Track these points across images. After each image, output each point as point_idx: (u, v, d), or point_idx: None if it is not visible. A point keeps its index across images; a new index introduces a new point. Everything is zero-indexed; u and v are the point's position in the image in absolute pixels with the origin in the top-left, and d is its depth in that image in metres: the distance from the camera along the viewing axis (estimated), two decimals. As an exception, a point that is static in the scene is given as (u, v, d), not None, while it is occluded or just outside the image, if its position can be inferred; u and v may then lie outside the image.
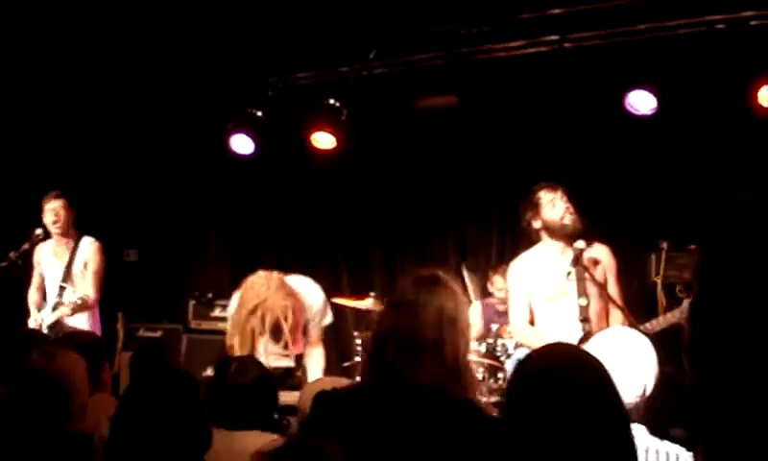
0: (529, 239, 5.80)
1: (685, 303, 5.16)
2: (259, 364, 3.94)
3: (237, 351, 5.34)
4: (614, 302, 5.22)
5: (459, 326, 2.68)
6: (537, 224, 5.35)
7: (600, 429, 1.94)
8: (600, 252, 5.42)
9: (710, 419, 1.75)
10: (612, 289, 5.38)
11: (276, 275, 5.52)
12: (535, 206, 5.29)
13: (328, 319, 5.83)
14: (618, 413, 2.01)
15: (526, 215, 5.37)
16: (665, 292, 6.84)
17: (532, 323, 5.54)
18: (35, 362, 3.40)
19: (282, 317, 5.30)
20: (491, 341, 6.55)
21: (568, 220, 5.22)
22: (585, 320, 5.25)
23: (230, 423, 3.46)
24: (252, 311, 5.29)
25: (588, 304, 5.26)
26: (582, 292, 5.26)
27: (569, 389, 1.98)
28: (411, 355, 2.59)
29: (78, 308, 6.53)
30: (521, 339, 5.68)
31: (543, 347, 2.28)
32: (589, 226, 5.37)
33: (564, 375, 2.01)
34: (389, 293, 3.10)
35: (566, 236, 5.27)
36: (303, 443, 1.81)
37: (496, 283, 7.55)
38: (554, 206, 5.23)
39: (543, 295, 5.44)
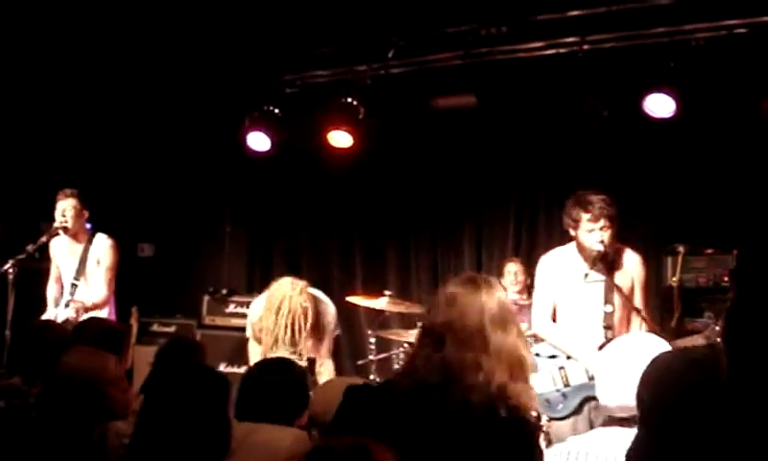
0: (546, 243, 5.70)
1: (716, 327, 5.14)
2: (297, 365, 4.02)
3: (258, 348, 6.00)
4: (637, 310, 5.20)
5: (515, 324, 2.75)
6: (572, 232, 5.36)
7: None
8: (630, 259, 5.40)
9: (748, 414, 1.75)
10: (638, 299, 5.36)
11: (301, 281, 5.99)
12: (575, 221, 5.27)
13: (337, 330, 6.30)
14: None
15: (568, 217, 5.34)
16: (681, 296, 6.81)
17: (554, 319, 5.52)
18: (61, 364, 3.40)
19: (303, 316, 5.79)
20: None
21: (595, 251, 5.20)
22: (608, 327, 5.24)
23: (261, 416, 3.50)
24: (278, 310, 5.80)
25: (612, 312, 5.25)
26: (608, 299, 5.26)
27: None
28: (468, 354, 2.63)
29: (83, 312, 6.51)
30: (541, 334, 5.63)
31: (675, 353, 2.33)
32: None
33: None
34: (433, 293, 3.19)
35: (590, 259, 5.26)
36: (353, 444, 1.78)
37: (507, 267, 7.57)
38: (590, 233, 5.21)
39: (567, 294, 5.43)
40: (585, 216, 5.20)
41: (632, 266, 5.39)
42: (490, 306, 2.72)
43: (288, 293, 5.84)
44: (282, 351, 5.70)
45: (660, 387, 2.21)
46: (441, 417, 2.52)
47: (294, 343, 5.77)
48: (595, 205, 5.17)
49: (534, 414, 6.11)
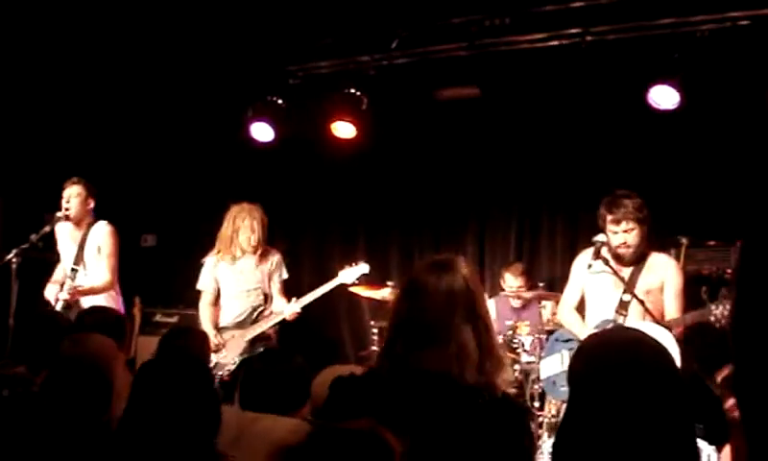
0: (549, 234, 5.65)
1: (711, 306, 5.14)
2: (299, 356, 4.05)
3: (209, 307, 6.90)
4: (649, 311, 5.22)
5: (476, 308, 2.63)
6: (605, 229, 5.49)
7: (660, 406, 1.97)
8: (664, 263, 5.54)
9: (754, 407, 1.75)
10: (670, 303, 5.42)
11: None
12: (602, 220, 5.44)
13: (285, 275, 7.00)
14: (676, 390, 2.04)
15: (599, 214, 5.49)
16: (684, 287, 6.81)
17: (581, 308, 5.73)
18: (67, 350, 3.40)
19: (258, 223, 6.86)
20: (508, 333, 6.60)
21: (616, 251, 5.39)
22: (618, 312, 5.41)
23: (264, 406, 3.52)
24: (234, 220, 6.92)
25: (630, 301, 5.36)
26: (628, 289, 5.38)
27: (629, 367, 2.06)
28: (423, 341, 2.56)
29: (78, 294, 6.55)
30: (560, 317, 5.93)
31: (602, 331, 2.36)
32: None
33: (624, 353, 2.11)
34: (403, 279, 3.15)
35: (594, 250, 5.41)
36: (336, 431, 1.75)
37: (507, 281, 7.52)
38: (614, 233, 5.39)
39: (592, 285, 5.62)
40: (608, 217, 5.39)
41: (664, 269, 5.50)
42: (453, 291, 2.61)
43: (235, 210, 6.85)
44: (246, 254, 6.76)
45: (575, 367, 2.24)
46: (416, 410, 2.45)
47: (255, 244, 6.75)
48: (619, 208, 5.34)
49: (537, 404, 6.24)
